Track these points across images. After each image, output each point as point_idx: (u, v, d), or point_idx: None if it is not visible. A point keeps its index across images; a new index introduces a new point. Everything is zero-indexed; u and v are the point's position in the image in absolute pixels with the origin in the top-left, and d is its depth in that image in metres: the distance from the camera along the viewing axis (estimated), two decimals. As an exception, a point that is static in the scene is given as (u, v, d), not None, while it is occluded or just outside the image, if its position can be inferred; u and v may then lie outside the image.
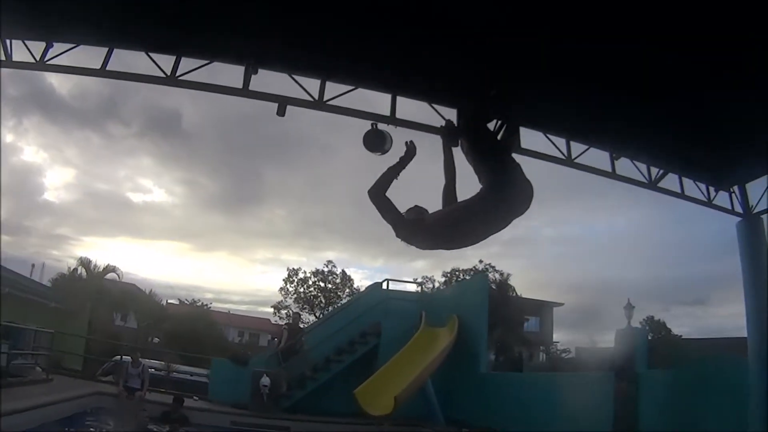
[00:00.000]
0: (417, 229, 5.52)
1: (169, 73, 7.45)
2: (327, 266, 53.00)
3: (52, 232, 73.68)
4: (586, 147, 8.98)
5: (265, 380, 16.78)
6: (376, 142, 6.81)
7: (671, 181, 9.78)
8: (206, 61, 7.51)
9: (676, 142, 8.70)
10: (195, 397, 17.52)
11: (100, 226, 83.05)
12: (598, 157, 9.22)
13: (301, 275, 52.91)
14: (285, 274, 56.64)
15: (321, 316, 50.00)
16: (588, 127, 8.61)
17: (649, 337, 44.30)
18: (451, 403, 18.25)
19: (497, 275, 45.16)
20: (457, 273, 48.29)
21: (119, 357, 21.49)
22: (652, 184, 9.54)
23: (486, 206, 5.42)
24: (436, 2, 6.04)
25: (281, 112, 7.52)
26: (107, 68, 7.42)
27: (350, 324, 19.71)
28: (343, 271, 52.97)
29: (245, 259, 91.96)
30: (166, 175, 77.59)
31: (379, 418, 14.32)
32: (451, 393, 18.57)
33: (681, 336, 45.88)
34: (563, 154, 8.78)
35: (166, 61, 7.52)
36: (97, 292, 33.82)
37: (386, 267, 77.84)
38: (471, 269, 46.78)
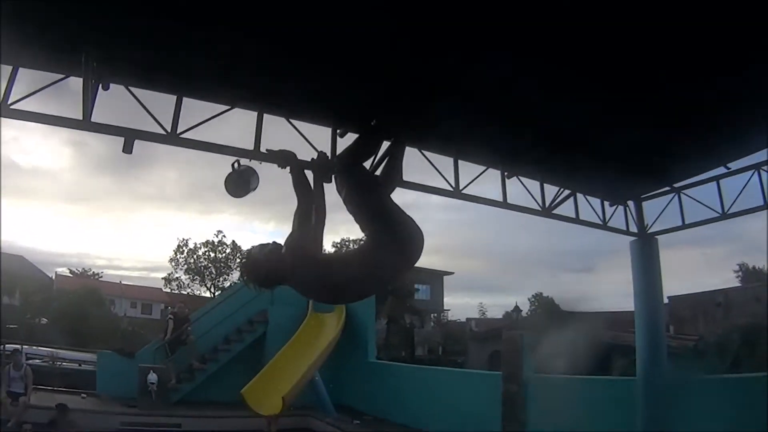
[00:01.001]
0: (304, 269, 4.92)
1: None
2: (217, 236, 52.68)
3: None
4: (475, 174, 8.66)
5: (152, 377, 16.49)
6: (240, 184, 5.89)
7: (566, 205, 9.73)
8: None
9: (570, 160, 8.53)
10: (83, 395, 17.17)
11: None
12: (485, 187, 8.90)
13: (191, 245, 52.43)
14: (176, 239, 56.11)
15: (212, 287, 49.77)
16: (477, 147, 8.22)
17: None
18: (340, 390, 18.39)
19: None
20: (347, 243, 48.41)
21: (2, 347, 20.98)
22: (546, 211, 9.43)
23: (373, 261, 5.05)
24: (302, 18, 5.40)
25: (128, 149, 6.35)
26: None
27: (237, 312, 19.53)
28: (233, 241, 52.68)
29: (136, 224, 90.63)
30: (54, 136, 75.27)
31: (268, 417, 14.40)
32: (339, 380, 18.70)
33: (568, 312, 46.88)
34: (451, 185, 8.41)
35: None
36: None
37: (278, 231, 77.71)
38: (361, 239, 46.94)
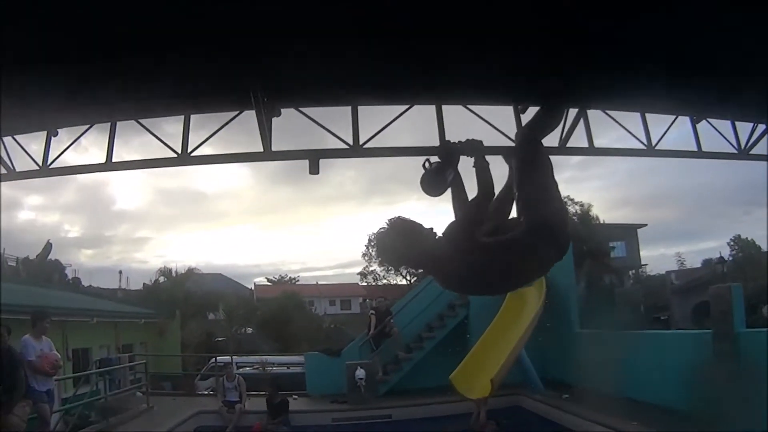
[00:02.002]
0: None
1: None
2: (407, 222, 52.99)
3: (133, 237, 75.41)
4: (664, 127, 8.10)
5: (360, 372, 16.77)
6: (436, 182, 5.03)
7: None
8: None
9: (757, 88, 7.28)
10: (294, 396, 17.65)
11: (178, 221, 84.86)
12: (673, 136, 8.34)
13: (381, 237, 52.96)
14: (363, 233, 56.98)
15: (407, 274, 50.12)
16: (663, 95, 7.17)
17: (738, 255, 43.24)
18: (545, 364, 18.11)
19: (577, 207, 44.34)
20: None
21: (214, 360, 21.79)
22: (743, 153, 8.50)
23: (526, 251, 4.52)
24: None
25: (314, 170, 6.24)
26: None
27: (437, 299, 19.39)
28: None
29: (323, 226, 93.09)
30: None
31: (477, 400, 14.17)
32: (545, 354, 18.35)
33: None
34: (642, 143, 7.88)
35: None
36: (183, 296, 34.43)
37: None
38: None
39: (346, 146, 6.36)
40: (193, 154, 6.29)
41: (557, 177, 4.89)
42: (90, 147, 7.56)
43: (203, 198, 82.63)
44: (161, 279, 37.85)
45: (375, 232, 4.39)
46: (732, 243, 48.04)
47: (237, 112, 6.26)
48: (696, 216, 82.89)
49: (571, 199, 45.08)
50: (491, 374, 14.09)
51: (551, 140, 6.62)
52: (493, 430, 13.23)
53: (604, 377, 15.53)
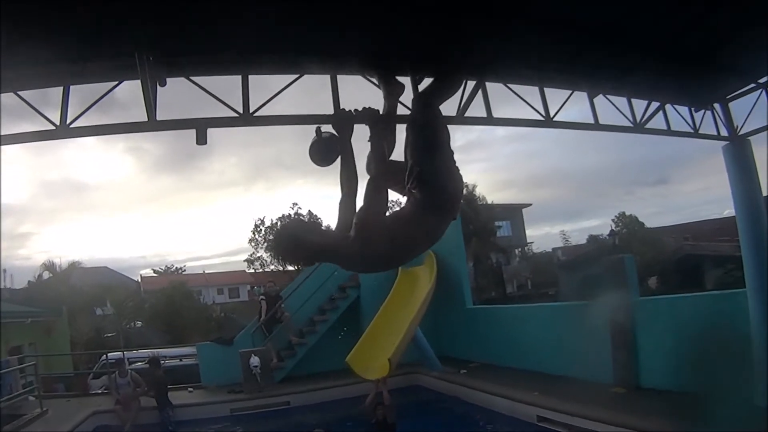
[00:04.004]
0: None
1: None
2: (293, 209, 52.46)
3: (15, 233, 72.95)
4: (560, 102, 8.29)
5: (254, 360, 16.47)
6: (326, 151, 5.06)
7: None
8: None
9: (652, 65, 7.96)
10: (189, 389, 17.33)
11: (59, 214, 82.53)
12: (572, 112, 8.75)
13: (268, 223, 52.61)
14: (249, 220, 56.73)
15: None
16: (558, 70, 7.82)
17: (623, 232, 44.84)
18: (442, 341, 18.37)
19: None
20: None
21: (105, 357, 21.24)
22: (638, 127, 8.96)
23: (427, 222, 4.71)
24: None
25: (202, 140, 5.97)
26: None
27: (327, 281, 19.35)
28: (309, 210, 52.45)
29: (207, 213, 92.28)
30: (111, 148, 76.67)
31: (376, 380, 14.18)
32: (439, 331, 18.65)
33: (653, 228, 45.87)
34: (541, 114, 7.97)
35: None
36: (69, 291, 33.45)
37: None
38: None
39: (235, 114, 6.08)
40: (72, 126, 5.82)
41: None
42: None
43: (85, 188, 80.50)
44: (45, 274, 36.60)
45: (272, 236, 4.30)
46: (616, 219, 49.59)
47: (118, 81, 5.90)
48: (579, 196, 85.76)
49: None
50: (388, 354, 14.00)
51: (449, 109, 6.66)
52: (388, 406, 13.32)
53: (499, 351, 15.80)
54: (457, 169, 4.93)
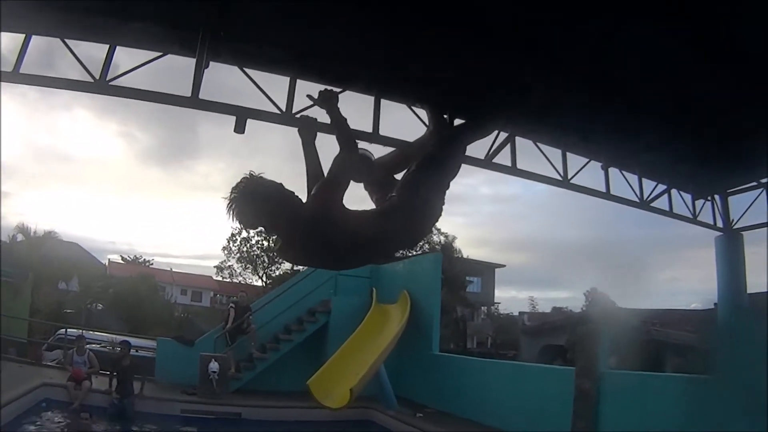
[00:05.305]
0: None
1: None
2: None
3: (-4, 189, 72.39)
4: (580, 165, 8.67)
5: (214, 365, 16.37)
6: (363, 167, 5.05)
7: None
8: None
9: (664, 151, 8.41)
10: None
11: (41, 180, 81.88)
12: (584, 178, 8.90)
13: (244, 234, 52.54)
14: (225, 229, 56.46)
15: (263, 276, 49.98)
16: (581, 137, 8.16)
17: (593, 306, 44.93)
18: (402, 382, 18.06)
19: (442, 237, 45.34)
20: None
21: (64, 331, 21.05)
22: (644, 204, 9.35)
23: (392, 226, 4.57)
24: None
25: (240, 129, 6.01)
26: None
27: (299, 302, 19.53)
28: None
29: (184, 213, 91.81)
30: (103, 128, 76.32)
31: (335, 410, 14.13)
32: (402, 372, 18.43)
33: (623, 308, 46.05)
34: (560, 174, 8.43)
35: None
36: (39, 259, 33.13)
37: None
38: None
39: (278, 112, 6.22)
40: (113, 83, 5.94)
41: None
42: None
43: (70, 161, 79.93)
44: (18, 236, 36.25)
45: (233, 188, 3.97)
46: (588, 294, 49.67)
47: (161, 54, 6.05)
48: (552, 265, 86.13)
49: (437, 229, 46.02)
50: (351, 383, 13.98)
51: (479, 152, 6.84)
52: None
53: (459, 401, 15.78)
54: (441, 206, 4.91)
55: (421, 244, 45.01)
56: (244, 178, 4.29)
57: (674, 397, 10.70)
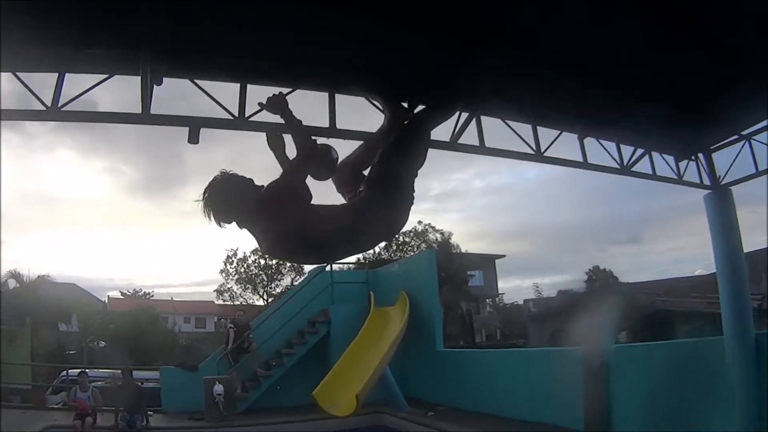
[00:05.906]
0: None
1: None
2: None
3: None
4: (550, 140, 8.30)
5: (218, 388, 16.20)
6: (324, 163, 4.90)
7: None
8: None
9: (643, 112, 8.08)
10: (149, 412, 16.95)
11: (31, 225, 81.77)
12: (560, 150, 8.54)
13: (240, 255, 52.52)
14: (221, 252, 56.62)
15: (264, 294, 49.88)
16: (553, 109, 8.00)
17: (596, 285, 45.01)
18: (408, 382, 18.05)
19: (438, 235, 45.29)
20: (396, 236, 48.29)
21: (66, 373, 20.89)
22: (625, 169, 9.08)
23: (365, 219, 4.59)
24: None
25: (194, 139, 5.87)
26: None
27: (297, 315, 19.36)
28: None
29: (178, 242, 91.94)
30: (88, 166, 76.24)
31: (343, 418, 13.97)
32: (407, 372, 18.40)
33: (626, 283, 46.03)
34: (532, 149, 8.05)
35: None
36: (35, 304, 32.95)
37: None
38: (411, 230, 46.52)
39: (230, 117, 6.02)
40: (64, 109, 5.68)
41: (416, 206, 4.98)
42: None
43: (58, 203, 79.80)
44: (11, 283, 36.08)
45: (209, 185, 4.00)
46: (590, 273, 49.57)
47: (107, 75, 5.84)
48: (552, 250, 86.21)
49: (432, 227, 46.00)
50: (356, 390, 13.78)
51: (443, 134, 6.67)
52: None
53: (468, 395, 15.63)
54: (412, 195, 4.90)
55: (419, 243, 45.08)
56: (216, 176, 4.40)
57: (684, 361, 10.59)
